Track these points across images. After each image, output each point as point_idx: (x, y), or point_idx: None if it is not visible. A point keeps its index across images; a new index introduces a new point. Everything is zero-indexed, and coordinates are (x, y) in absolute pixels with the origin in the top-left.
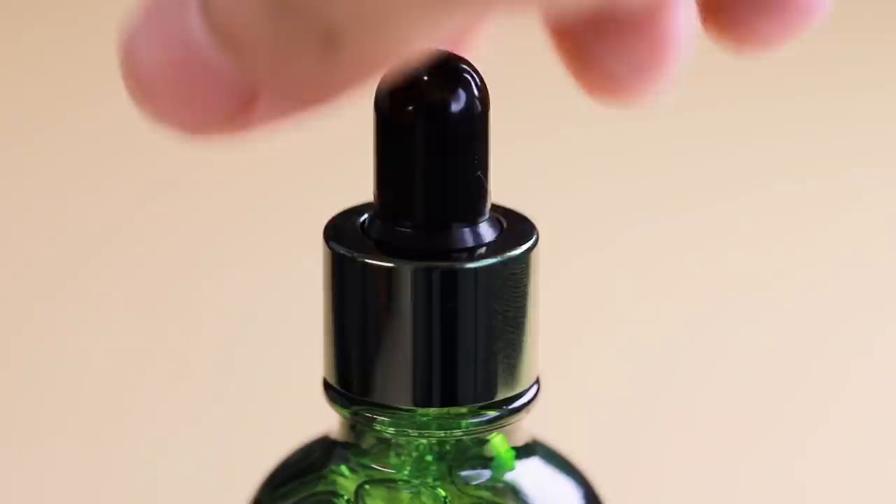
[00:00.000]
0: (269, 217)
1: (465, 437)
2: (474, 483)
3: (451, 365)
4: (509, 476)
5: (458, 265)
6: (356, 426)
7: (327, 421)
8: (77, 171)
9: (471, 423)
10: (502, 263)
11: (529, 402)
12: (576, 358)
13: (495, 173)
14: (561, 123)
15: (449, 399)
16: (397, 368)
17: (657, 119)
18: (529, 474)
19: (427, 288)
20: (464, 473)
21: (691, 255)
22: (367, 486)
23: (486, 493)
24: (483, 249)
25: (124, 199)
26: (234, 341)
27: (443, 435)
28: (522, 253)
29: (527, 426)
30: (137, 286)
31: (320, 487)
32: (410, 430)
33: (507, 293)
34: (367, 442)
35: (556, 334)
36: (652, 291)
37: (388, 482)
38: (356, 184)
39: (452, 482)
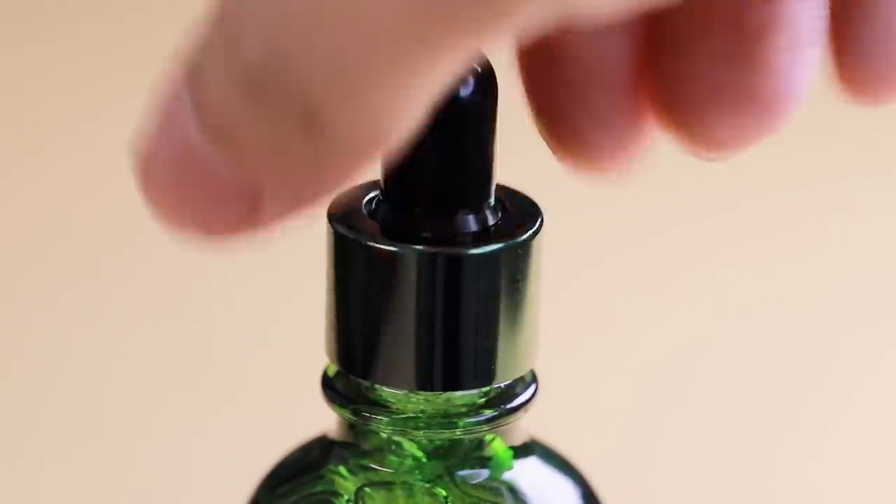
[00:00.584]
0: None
1: (463, 437)
2: (473, 483)
3: (453, 349)
4: (508, 475)
5: (463, 251)
6: (354, 426)
7: (326, 420)
8: (84, 175)
9: (468, 422)
10: (507, 249)
11: (527, 401)
12: (574, 357)
13: (505, 177)
14: None
15: (449, 384)
16: (397, 352)
17: None
18: (528, 474)
19: (431, 274)
20: (462, 473)
21: (690, 255)
22: (367, 489)
23: (485, 493)
24: (488, 235)
25: (121, 198)
26: (231, 340)
27: (440, 434)
28: (528, 238)
29: (525, 426)
30: (135, 287)
31: (319, 487)
32: (408, 430)
33: (513, 278)
34: (366, 441)
35: (555, 334)
36: (650, 292)
37: (387, 484)
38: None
39: (453, 482)
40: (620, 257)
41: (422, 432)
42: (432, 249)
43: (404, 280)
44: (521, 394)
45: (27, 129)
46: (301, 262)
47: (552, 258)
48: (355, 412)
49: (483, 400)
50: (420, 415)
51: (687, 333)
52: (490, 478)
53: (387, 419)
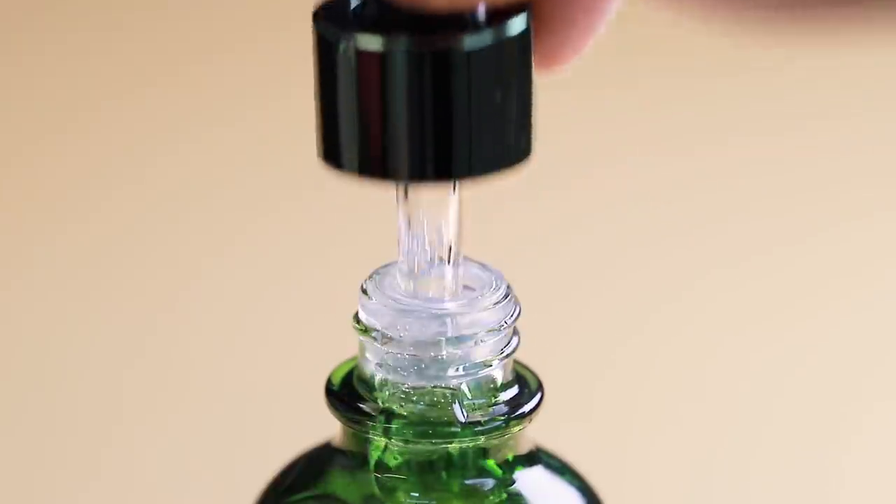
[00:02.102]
0: (273, 223)
1: (467, 446)
2: (478, 492)
3: (445, 133)
4: (513, 485)
5: (453, 43)
6: (358, 434)
7: (329, 428)
8: (85, 175)
9: (473, 430)
10: (499, 41)
11: (532, 410)
12: (582, 367)
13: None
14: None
15: (442, 171)
16: (388, 138)
17: (691, 144)
18: (533, 483)
19: (420, 67)
20: (467, 482)
21: (702, 264)
22: (372, 499)
23: (489, 502)
24: (477, 26)
25: (124, 202)
26: (236, 348)
27: (444, 443)
28: (520, 31)
29: (530, 434)
30: (140, 289)
31: (323, 496)
32: (411, 438)
33: (504, 66)
34: (369, 450)
35: (563, 341)
36: (661, 301)
37: (392, 493)
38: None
39: (458, 492)
40: (632, 265)
41: (426, 440)
42: (420, 41)
43: (393, 75)
44: (525, 403)
45: (28, 130)
46: (306, 266)
47: (564, 272)
48: (359, 421)
49: (489, 407)
50: (423, 422)
51: (695, 343)
52: (494, 487)
53: (390, 427)
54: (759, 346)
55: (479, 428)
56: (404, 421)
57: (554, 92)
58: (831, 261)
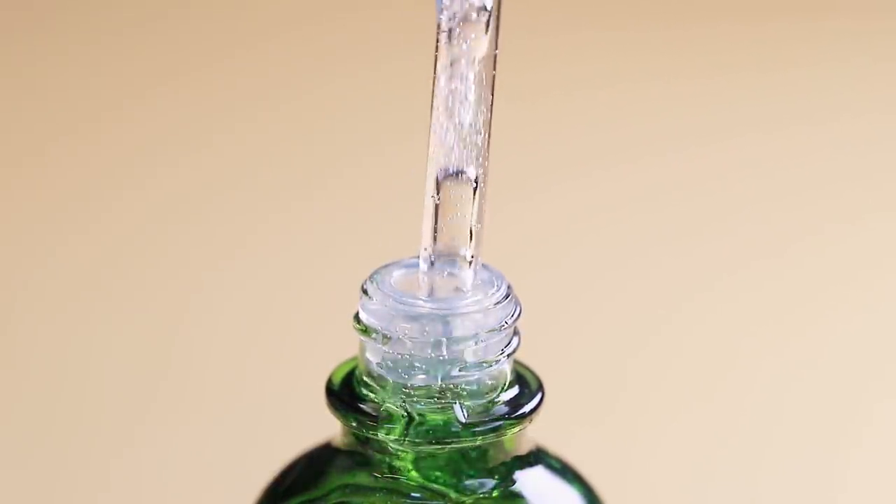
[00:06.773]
0: (272, 224)
1: (467, 446)
2: (478, 493)
3: None
4: (514, 486)
5: None
6: (359, 434)
7: (329, 428)
8: (86, 174)
9: (472, 431)
10: None
11: (532, 410)
12: (585, 368)
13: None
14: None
15: None
16: None
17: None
18: (534, 484)
19: None
20: (467, 483)
21: (705, 268)
22: (372, 500)
23: (490, 503)
24: None
25: (130, 205)
26: (235, 347)
27: (444, 443)
28: None
29: (531, 435)
30: (140, 292)
31: (323, 497)
32: (412, 439)
33: None
34: (371, 450)
35: (572, 343)
36: (669, 303)
37: (393, 494)
38: (354, 195)
39: (458, 492)
40: (641, 267)
41: (426, 441)
42: None
43: None
44: (525, 403)
45: (29, 129)
46: (306, 267)
47: (575, 273)
48: (359, 421)
49: (489, 408)
50: (424, 423)
51: (701, 346)
52: (494, 487)
53: (391, 428)
54: (768, 349)
55: (480, 428)
56: (402, 421)
57: (568, 89)
58: (841, 263)
